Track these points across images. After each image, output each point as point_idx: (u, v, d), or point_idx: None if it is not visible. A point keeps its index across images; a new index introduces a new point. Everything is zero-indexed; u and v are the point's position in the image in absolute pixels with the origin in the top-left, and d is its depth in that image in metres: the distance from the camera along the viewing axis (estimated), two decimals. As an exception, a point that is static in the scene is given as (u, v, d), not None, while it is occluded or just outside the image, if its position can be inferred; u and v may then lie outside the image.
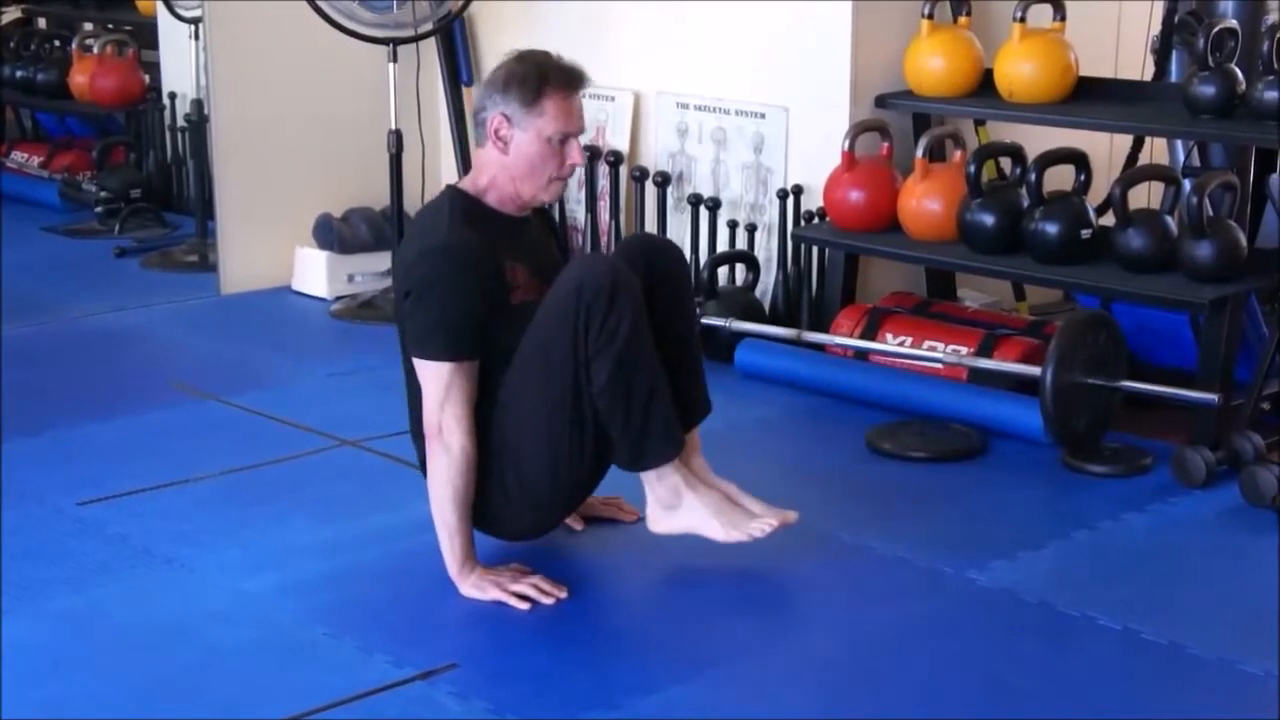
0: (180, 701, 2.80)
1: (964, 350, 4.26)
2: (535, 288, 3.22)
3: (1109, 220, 4.17)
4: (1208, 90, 4.17)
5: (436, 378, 3.13)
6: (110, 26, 7.18)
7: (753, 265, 4.80)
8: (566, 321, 3.09)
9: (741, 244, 4.91)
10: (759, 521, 3.26)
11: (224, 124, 5.45)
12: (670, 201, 5.09)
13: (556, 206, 5.31)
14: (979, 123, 4.92)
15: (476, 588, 3.15)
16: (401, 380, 3.28)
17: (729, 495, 3.31)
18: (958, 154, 4.50)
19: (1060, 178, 4.25)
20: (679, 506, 3.25)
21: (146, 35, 6.73)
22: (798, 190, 4.77)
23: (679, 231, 5.06)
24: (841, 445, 4.05)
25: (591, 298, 3.06)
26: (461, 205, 3.23)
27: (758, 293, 4.79)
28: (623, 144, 5.25)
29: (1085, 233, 4.16)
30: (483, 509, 3.21)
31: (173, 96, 6.57)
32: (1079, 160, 4.25)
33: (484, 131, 3.23)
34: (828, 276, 4.72)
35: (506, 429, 3.17)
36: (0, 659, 2.92)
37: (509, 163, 3.22)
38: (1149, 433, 4.06)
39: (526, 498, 3.21)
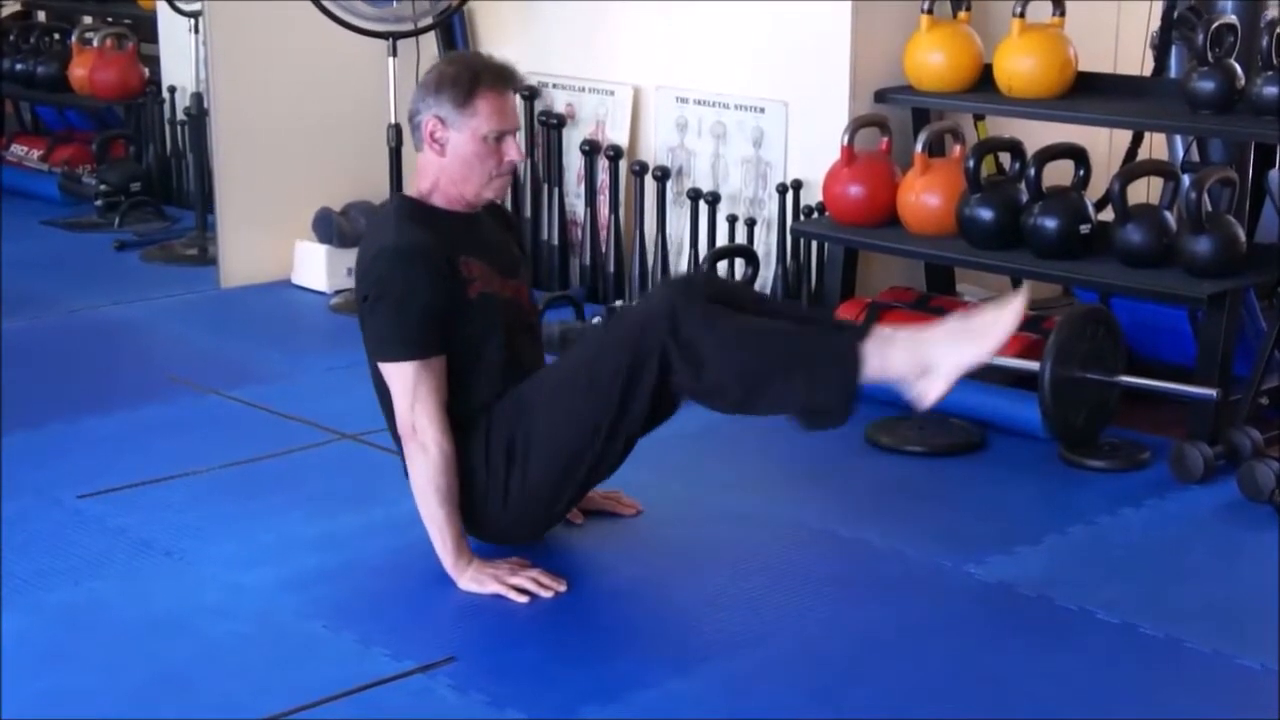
0: (179, 694, 2.81)
1: (963, 345, 4.26)
2: (493, 280, 3.22)
3: (1108, 215, 4.17)
4: (1207, 86, 4.17)
5: (402, 379, 3.12)
6: (110, 20, 7.18)
7: (752, 260, 4.79)
8: (623, 349, 3.05)
9: (741, 238, 4.91)
10: (1000, 324, 2.98)
11: (224, 118, 5.45)
12: (670, 196, 5.08)
13: (558, 203, 5.32)
14: (978, 118, 4.92)
15: (474, 581, 3.15)
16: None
17: (955, 326, 3.04)
18: (957, 149, 4.50)
19: (1059, 173, 4.25)
20: (929, 366, 3.00)
21: (146, 29, 6.73)
22: (797, 185, 4.77)
23: (678, 226, 5.06)
24: (840, 440, 4.01)
25: (664, 333, 3.02)
26: (408, 209, 3.24)
27: (757, 287, 4.78)
28: (622, 139, 5.25)
29: (1084, 228, 4.16)
30: (479, 510, 3.20)
31: (172, 90, 6.57)
32: (1078, 155, 4.25)
33: (420, 136, 3.23)
34: (827, 271, 4.72)
35: (518, 436, 3.15)
36: (0, 651, 2.93)
37: (447, 164, 3.22)
38: (1147, 428, 4.06)
39: (528, 502, 3.20)
